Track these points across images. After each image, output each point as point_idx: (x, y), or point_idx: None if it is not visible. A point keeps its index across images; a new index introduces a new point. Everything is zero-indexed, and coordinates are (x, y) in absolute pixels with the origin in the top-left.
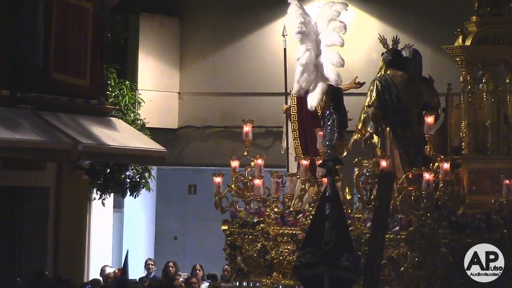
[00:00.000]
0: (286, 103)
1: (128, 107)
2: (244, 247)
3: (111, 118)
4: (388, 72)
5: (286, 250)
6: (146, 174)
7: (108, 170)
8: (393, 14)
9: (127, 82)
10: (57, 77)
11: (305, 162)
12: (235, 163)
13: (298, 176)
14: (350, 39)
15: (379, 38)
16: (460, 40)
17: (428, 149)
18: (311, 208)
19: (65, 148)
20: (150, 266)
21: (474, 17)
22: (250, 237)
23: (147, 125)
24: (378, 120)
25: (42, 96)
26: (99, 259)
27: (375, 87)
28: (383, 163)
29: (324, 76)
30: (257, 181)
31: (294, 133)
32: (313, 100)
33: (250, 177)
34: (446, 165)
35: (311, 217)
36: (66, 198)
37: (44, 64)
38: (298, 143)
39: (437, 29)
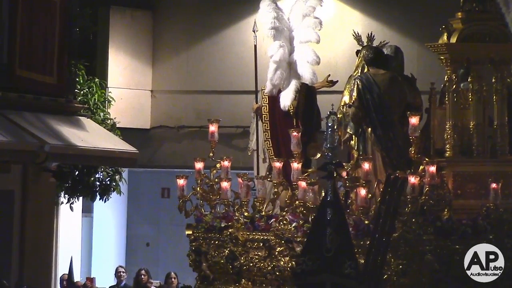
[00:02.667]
0: (257, 102)
1: (97, 106)
2: (209, 253)
3: (80, 117)
4: (369, 70)
5: (257, 257)
6: (117, 177)
7: (77, 173)
8: (377, 7)
9: (97, 80)
10: (22, 74)
11: (278, 165)
12: (199, 165)
13: (269, 179)
14: (332, 33)
15: (353, 35)
16: (445, 37)
17: (412, 151)
18: (284, 213)
19: (30, 149)
20: (121, 274)
21: (459, 14)
22: (217, 242)
23: (117, 125)
24: (359, 121)
25: (6, 94)
26: (67, 266)
27: (355, 86)
28: (366, 166)
29: (298, 74)
30: (225, 184)
31: (266, 134)
32: (287, 99)
33: (216, 180)
34: (432, 168)
35: (284, 222)
36: (32, 202)
37: (9, 60)
38: (269, 144)
39: (425, 23)
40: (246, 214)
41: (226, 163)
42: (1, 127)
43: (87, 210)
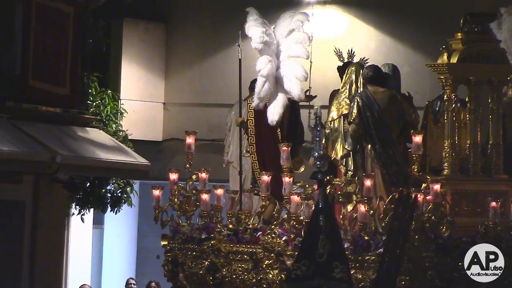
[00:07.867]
0: (240, 116)
1: (110, 118)
2: (187, 264)
3: (92, 129)
4: (358, 87)
5: (240, 269)
6: (128, 189)
7: (88, 184)
8: (391, 23)
9: (109, 91)
10: (35, 85)
11: (266, 178)
12: (174, 176)
13: (255, 192)
14: (344, 48)
15: (334, 51)
16: (445, 57)
17: (415, 169)
18: (273, 226)
19: (42, 160)
20: (132, 286)
21: (459, 34)
22: (194, 253)
23: (129, 137)
24: (359, 138)
25: (19, 105)
26: (77, 278)
27: (355, 103)
28: (368, 183)
29: (284, 89)
30: (205, 196)
31: (251, 148)
32: (275, 114)
33: (194, 191)
34: (437, 186)
35: (273, 235)
36: (43, 213)
37: (22, 71)
38: (255, 158)
39: (438, 40)
40: (231, 226)
41: (203, 175)
42: (14, 137)
43: (98, 222)
